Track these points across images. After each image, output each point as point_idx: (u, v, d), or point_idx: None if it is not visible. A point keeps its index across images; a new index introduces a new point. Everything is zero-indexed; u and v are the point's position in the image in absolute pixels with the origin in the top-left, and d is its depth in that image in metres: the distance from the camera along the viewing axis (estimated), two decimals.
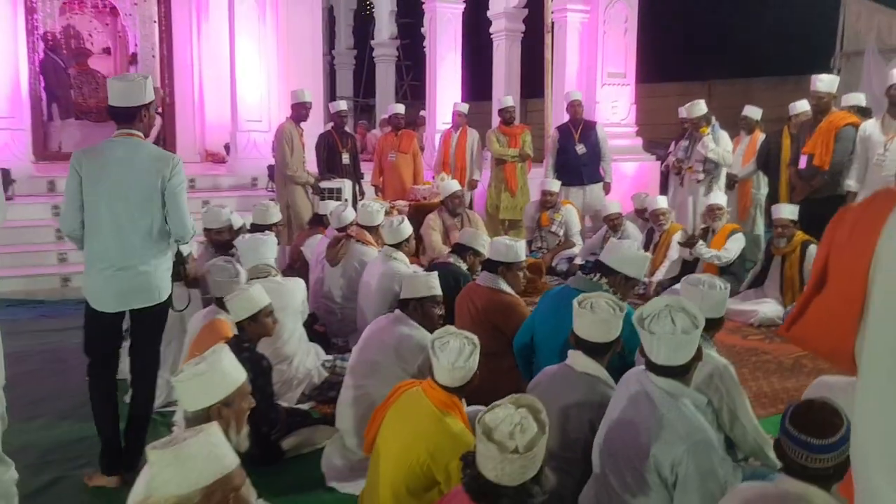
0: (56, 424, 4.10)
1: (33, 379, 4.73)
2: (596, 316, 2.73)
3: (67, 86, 11.38)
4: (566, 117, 8.73)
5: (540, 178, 8.58)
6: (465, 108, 9.16)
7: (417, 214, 7.41)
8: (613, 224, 7.33)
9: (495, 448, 1.89)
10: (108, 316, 3.36)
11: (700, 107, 7.31)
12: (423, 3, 10.52)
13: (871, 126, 6.05)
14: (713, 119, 7.39)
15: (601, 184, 8.61)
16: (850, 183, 6.07)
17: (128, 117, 3.29)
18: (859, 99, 6.86)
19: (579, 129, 8.62)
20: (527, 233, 8.12)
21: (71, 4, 11.93)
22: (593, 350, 2.77)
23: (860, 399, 1.17)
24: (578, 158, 8.54)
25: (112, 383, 3.44)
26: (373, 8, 16.55)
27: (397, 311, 3.58)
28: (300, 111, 7.52)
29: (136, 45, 11.97)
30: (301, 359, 4.37)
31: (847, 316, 1.18)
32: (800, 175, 6.32)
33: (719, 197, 6.64)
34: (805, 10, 12.23)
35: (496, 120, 11.18)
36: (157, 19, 10.84)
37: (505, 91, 11.76)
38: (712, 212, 6.50)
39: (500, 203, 8.52)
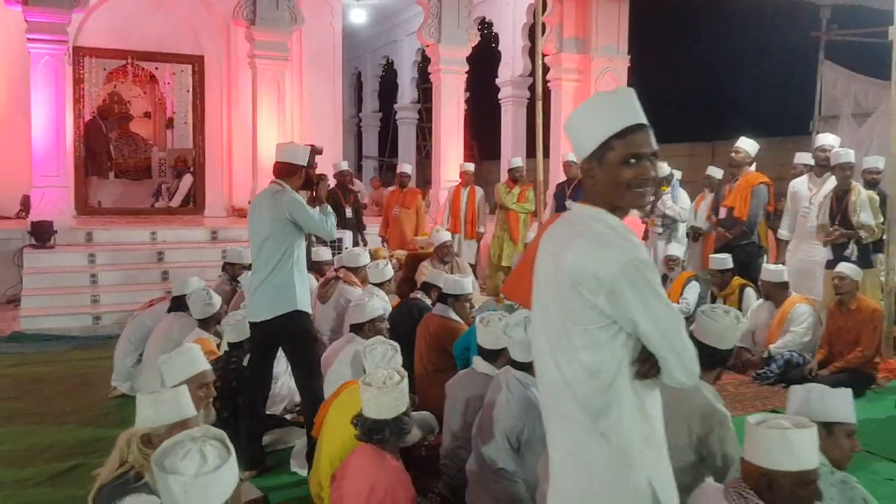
0: (80, 430, 4.93)
1: (65, 395, 5.59)
2: (489, 329, 3.50)
3: (108, 147, 12.55)
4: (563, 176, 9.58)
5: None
6: (471, 167, 10.01)
7: (413, 262, 8.27)
8: None
9: (374, 389, 2.70)
10: None
11: (662, 168, 8.09)
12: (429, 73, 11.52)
13: (799, 183, 6.81)
14: (674, 178, 8.16)
15: None
16: (783, 232, 6.83)
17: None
18: (805, 158, 7.57)
19: (572, 186, 9.43)
20: None
21: (115, 73, 13.18)
22: (489, 355, 3.54)
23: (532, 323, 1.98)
24: None
25: None
26: (396, 75, 17.70)
27: (350, 333, 4.38)
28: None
29: (172, 110, 13.16)
30: (285, 380, 5.14)
31: (527, 279, 1.96)
32: (720, 225, 7.05)
33: (675, 249, 7.37)
34: (789, 77, 13.01)
35: (504, 178, 12.12)
36: (190, 88, 11.99)
37: (512, 152, 12.68)
38: (668, 262, 7.25)
39: (502, 252, 9.30)
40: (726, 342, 3.17)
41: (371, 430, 2.85)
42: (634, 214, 10.37)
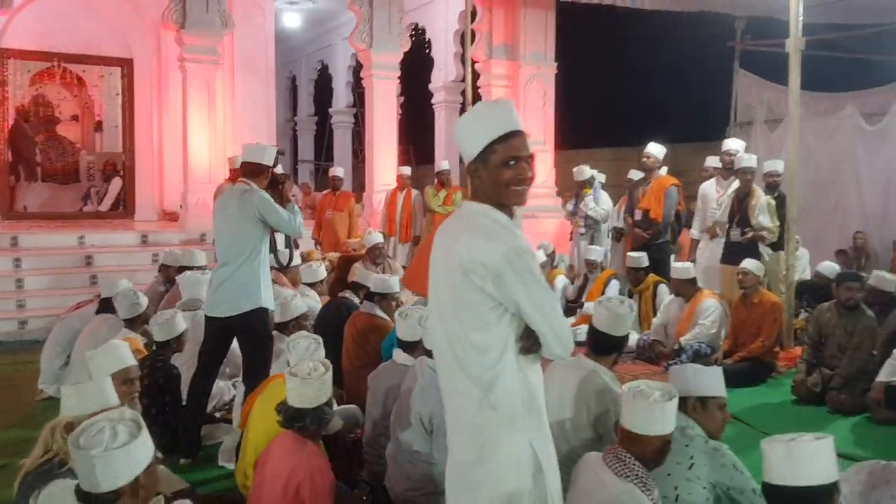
0: (6, 431, 4.96)
1: None
2: (407, 322, 3.71)
3: (34, 151, 12.32)
4: None
5: None
6: (407, 171, 10.20)
7: (346, 264, 8.42)
8: None
9: (298, 379, 2.87)
10: None
11: (584, 171, 8.46)
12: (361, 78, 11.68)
13: (707, 185, 7.25)
14: (596, 181, 8.51)
15: None
16: (694, 232, 7.26)
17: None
18: (714, 162, 7.99)
19: None
20: None
21: (41, 76, 12.94)
22: (407, 347, 3.74)
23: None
24: None
25: None
26: (331, 79, 17.77)
27: (275, 331, 4.53)
28: (235, 173, 8.50)
29: (101, 113, 12.99)
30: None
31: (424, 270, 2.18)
32: (636, 225, 7.43)
33: (594, 252, 7.72)
34: (708, 85, 13.56)
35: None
36: (119, 92, 11.89)
37: (446, 155, 12.92)
38: (587, 265, 7.59)
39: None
40: (620, 329, 3.45)
41: (293, 418, 3.03)
42: (560, 216, 10.78)
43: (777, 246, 6.60)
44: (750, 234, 6.48)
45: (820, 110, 11.55)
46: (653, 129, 16.33)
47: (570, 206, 8.81)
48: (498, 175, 2.10)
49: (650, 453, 2.49)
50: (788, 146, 6.66)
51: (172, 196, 11.41)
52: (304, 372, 3.00)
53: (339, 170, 10.30)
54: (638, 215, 7.62)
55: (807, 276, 8.70)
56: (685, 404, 2.98)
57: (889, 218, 10.19)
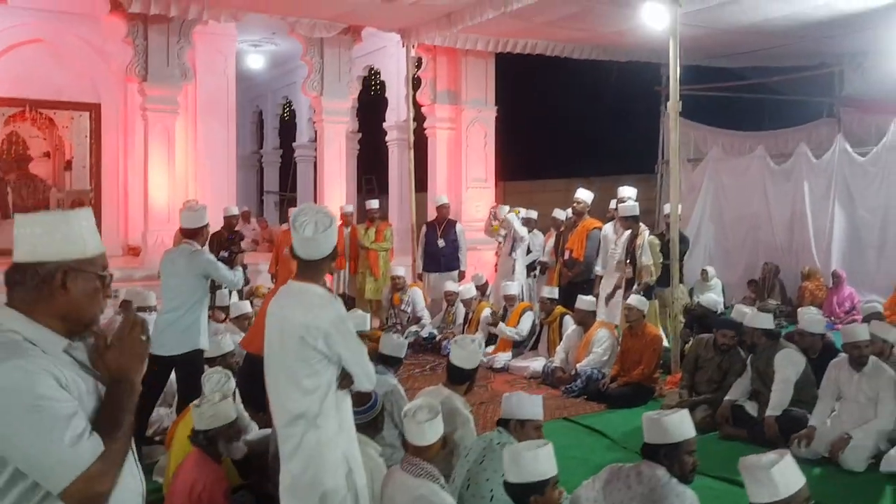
0: None
1: None
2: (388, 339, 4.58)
3: (5, 190, 13.03)
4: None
5: (404, 266, 10.45)
6: (350, 208, 11.03)
7: None
8: (450, 300, 9.28)
9: (196, 408, 3.68)
10: None
11: (502, 210, 9.39)
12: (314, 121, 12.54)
13: (607, 228, 8.14)
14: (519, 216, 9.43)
15: (456, 271, 10.48)
16: (598, 268, 8.13)
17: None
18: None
19: (443, 225, 10.56)
20: (384, 311, 9.93)
21: (14, 117, 13.69)
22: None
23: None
24: (439, 250, 10.45)
25: None
26: (295, 115, 18.63)
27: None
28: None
29: (71, 153, 13.75)
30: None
31: (261, 334, 3.00)
32: (564, 264, 8.30)
33: (512, 288, 8.56)
34: (642, 124, 14.53)
35: (393, 213, 13.26)
36: (88, 134, 12.68)
37: (399, 190, 13.81)
38: (506, 299, 8.45)
39: (365, 286, 10.32)
40: (471, 363, 4.28)
41: (202, 439, 3.82)
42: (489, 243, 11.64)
43: (664, 282, 7.47)
44: (640, 291, 7.28)
45: (735, 150, 12.54)
46: (599, 161, 17.40)
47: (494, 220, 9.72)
48: (328, 264, 2.96)
49: (433, 455, 3.32)
50: (671, 190, 7.54)
51: (136, 231, 12.15)
52: (205, 400, 3.80)
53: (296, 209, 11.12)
54: (566, 255, 8.49)
55: (721, 304, 9.60)
56: (508, 425, 3.82)
57: (794, 249, 11.13)
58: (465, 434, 4.10)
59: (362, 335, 5.55)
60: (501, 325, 8.21)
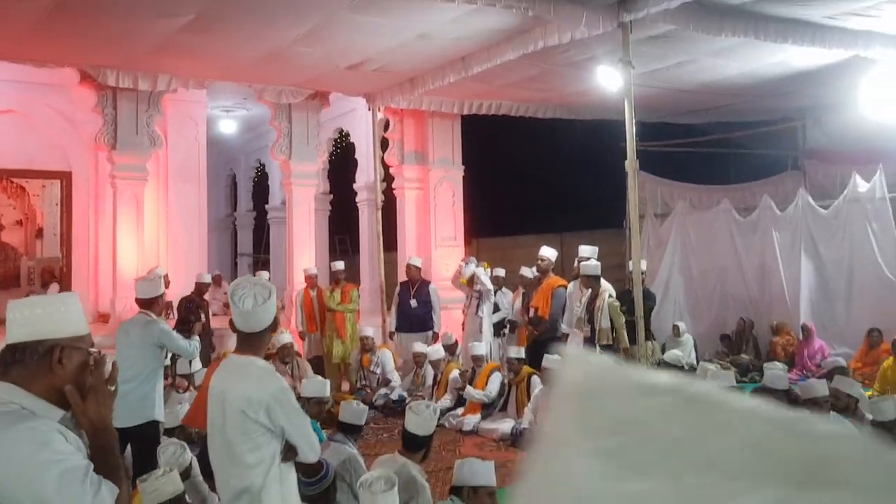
0: None
1: None
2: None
3: None
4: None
5: (373, 327, 10.43)
6: (314, 270, 11.04)
7: None
8: (418, 362, 9.22)
9: (150, 478, 3.64)
10: None
11: (469, 267, 9.44)
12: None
13: (572, 286, 8.19)
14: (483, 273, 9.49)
15: (430, 332, 10.45)
16: (564, 326, 8.15)
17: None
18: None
19: (416, 286, 10.57)
20: (353, 373, 9.87)
21: None
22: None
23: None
24: (412, 311, 10.44)
25: None
26: (268, 177, 18.74)
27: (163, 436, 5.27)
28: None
29: (42, 221, 13.73)
30: None
31: (204, 409, 2.98)
32: (529, 322, 8.33)
33: (479, 349, 8.56)
34: (610, 180, 14.74)
35: (364, 273, 13.26)
36: (59, 201, 12.68)
37: (369, 249, 13.83)
38: (473, 359, 8.44)
39: (333, 349, 10.26)
40: (426, 430, 4.26)
41: None
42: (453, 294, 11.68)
43: (630, 339, 7.51)
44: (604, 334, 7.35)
45: (702, 204, 12.73)
46: (570, 217, 17.58)
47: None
48: (268, 337, 2.98)
49: None
50: (632, 248, 7.64)
51: (106, 298, 12.05)
52: (151, 478, 3.74)
53: (265, 274, 11.11)
54: (531, 313, 8.54)
55: (693, 360, 9.64)
56: (461, 492, 3.80)
57: (765, 302, 11.23)
58: (421, 502, 4.07)
59: (319, 400, 5.56)
60: (469, 388, 8.18)
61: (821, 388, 5.23)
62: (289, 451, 2.93)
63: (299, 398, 6.48)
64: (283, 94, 10.66)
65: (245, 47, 8.28)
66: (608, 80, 8.24)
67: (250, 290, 2.96)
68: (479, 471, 3.81)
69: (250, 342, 2.97)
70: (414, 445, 4.26)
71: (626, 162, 7.51)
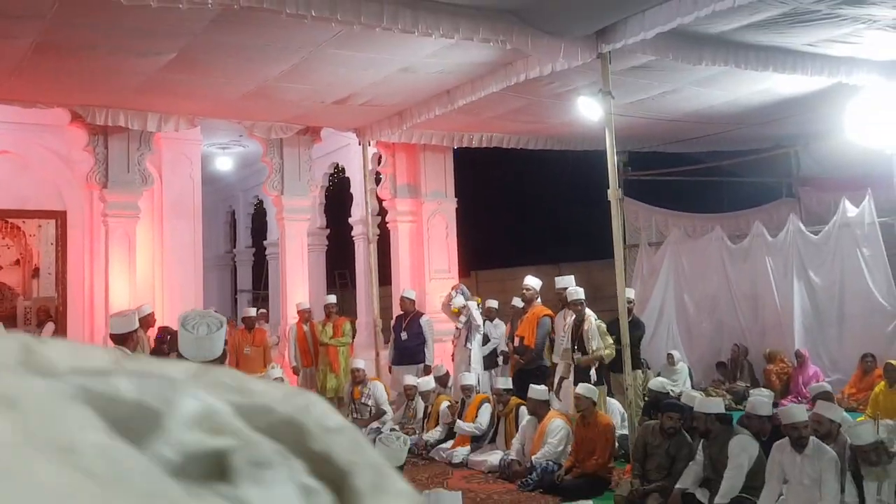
0: None
1: None
2: None
3: None
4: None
5: (363, 360, 10.39)
6: (306, 305, 11.05)
7: None
8: (409, 395, 9.19)
9: None
10: None
11: (459, 298, 9.42)
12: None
13: (559, 315, 8.16)
14: (475, 306, 9.46)
15: (421, 365, 10.41)
16: (555, 356, 8.11)
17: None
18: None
19: (408, 319, 10.56)
20: (346, 407, 9.81)
21: None
22: None
23: None
24: (403, 343, 10.42)
25: None
26: (266, 213, 18.82)
27: None
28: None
29: (38, 261, 13.80)
30: None
31: None
32: (515, 351, 8.29)
33: (468, 378, 8.52)
34: (603, 211, 14.78)
35: (361, 307, 13.25)
36: (54, 241, 12.75)
37: (365, 283, 13.82)
38: (463, 389, 8.39)
39: (326, 383, 10.23)
40: (396, 461, 4.22)
41: None
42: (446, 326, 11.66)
43: (617, 367, 7.46)
44: (587, 359, 7.31)
45: (697, 232, 12.72)
46: (567, 248, 17.59)
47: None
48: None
49: None
50: (616, 276, 7.62)
51: (101, 336, 12.06)
52: None
53: (252, 310, 11.14)
54: (517, 342, 8.52)
55: (688, 388, 9.54)
56: None
57: (758, 329, 11.15)
58: None
59: None
60: (459, 422, 8.13)
61: (799, 413, 5.17)
62: None
63: None
64: (272, 129, 10.75)
65: (230, 84, 8.38)
66: (589, 111, 8.28)
67: (202, 319, 2.97)
68: (447, 502, 3.77)
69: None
70: None
71: (609, 191, 7.50)
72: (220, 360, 2.94)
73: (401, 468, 4.29)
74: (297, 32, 6.73)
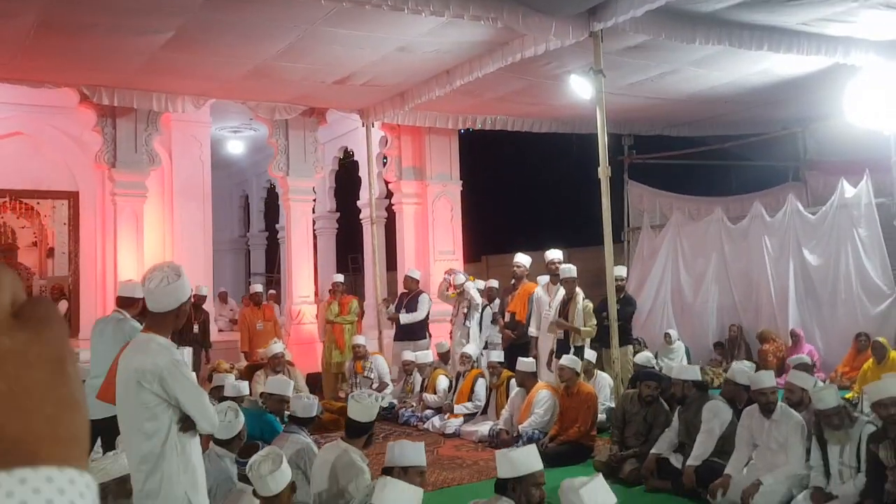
0: None
1: None
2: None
3: None
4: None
5: (364, 337, 10.59)
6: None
7: (250, 371, 9.41)
8: (408, 370, 9.38)
9: (98, 458, 3.81)
10: None
11: (459, 277, 9.58)
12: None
13: (540, 290, 8.32)
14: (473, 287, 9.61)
15: (421, 341, 10.58)
16: (532, 330, 8.28)
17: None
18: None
19: (409, 297, 10.74)
20: (348, 381, 10.03)
21: (3, 207, 14.14)
22: (219, 443, 4.68)
23: None
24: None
25: None
26: (277, 197, 19.06)
27: None
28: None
29: (53, 241, 14.14)
30: None
31: (114, 385, 3.15)
32: (506, 326, 8.44)
33: (469, 348, 8.68)
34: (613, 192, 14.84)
35: (368, 288, 13.45)
36: (67, 221, 13.07)
37: (372, 266, 14.01)
38: (462, 359, 8.56)
39: (332, 359, 10.44)
40: (367, 417, 4.40)
41: None
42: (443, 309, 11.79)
43: (604, 342, 7.59)
44: (565, 325, 7.47)
45: (700, 215, 12.76)
46: (575, 231, 17.66)
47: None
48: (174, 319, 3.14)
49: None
50: (605, 257, 7.74)
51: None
52: (102, 456, 3.91)
53: (258, 286, 11.36)
54: (508, 318, 8.68)
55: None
56: (392, 472, 3.92)
57: (754, 309, 11.20)
58: (359, 485, 4.19)
59: (280, 398, 5.71)
60: (457, 407, 8.27)
61: (767, 378, 5.28)
62: (186, 422, 3.09)
63: (263, 393, 6.66)
64: (276, 110, 10.94)
65: (230, 64, 8.57)
66: (581, 90, 8.37)
67: (161, 272, 3.14)
68: (410, 451, 3.93)
69: (156, 321, 3.16)
70: (356, 432, 4.40)
71: (599, 169, 7.60)
72: (176, 313, 3.12)
73: (372, 423, 4.48)
74: (289, 10, 6.90)
